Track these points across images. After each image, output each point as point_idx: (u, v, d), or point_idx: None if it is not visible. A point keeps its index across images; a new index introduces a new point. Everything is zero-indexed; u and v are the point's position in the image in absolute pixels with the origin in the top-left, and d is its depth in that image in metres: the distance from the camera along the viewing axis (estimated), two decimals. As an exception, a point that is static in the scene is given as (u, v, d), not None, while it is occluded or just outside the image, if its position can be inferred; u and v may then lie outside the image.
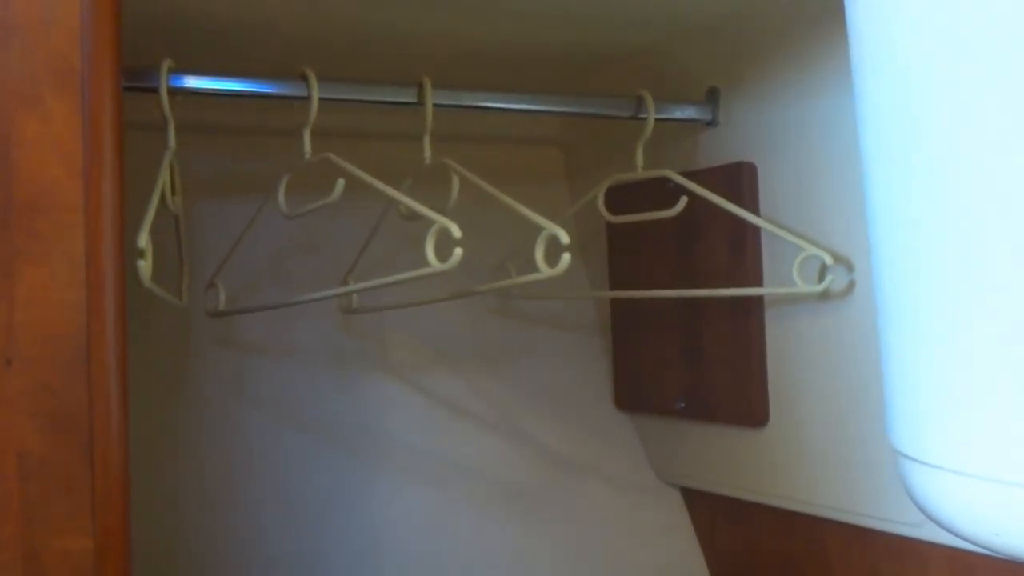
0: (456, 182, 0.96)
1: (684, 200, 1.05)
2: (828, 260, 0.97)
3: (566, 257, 0.81)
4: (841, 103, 0.97)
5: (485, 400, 1.29)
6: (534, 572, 1.25)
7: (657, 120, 1.09)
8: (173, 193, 0.91)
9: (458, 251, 0.79)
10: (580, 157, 1.38)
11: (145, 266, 0.75)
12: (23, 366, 0.54)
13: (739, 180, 1.08)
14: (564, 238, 0.81)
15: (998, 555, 0.59)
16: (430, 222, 0.81)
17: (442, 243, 0.80)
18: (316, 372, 1.21)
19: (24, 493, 0.54)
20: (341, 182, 0.87)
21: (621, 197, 1.16)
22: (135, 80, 0.87)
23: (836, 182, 0.99)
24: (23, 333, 0.54)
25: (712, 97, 1.12)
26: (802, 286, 0.99)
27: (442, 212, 0.85)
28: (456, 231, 0.79)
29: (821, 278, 0.98)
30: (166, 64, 0.88)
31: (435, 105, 0.98)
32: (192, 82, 0.90)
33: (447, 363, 1.28)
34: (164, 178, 0.85)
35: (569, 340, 1.35)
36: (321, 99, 0.93)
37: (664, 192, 1.12)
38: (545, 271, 0.82)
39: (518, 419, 1.30)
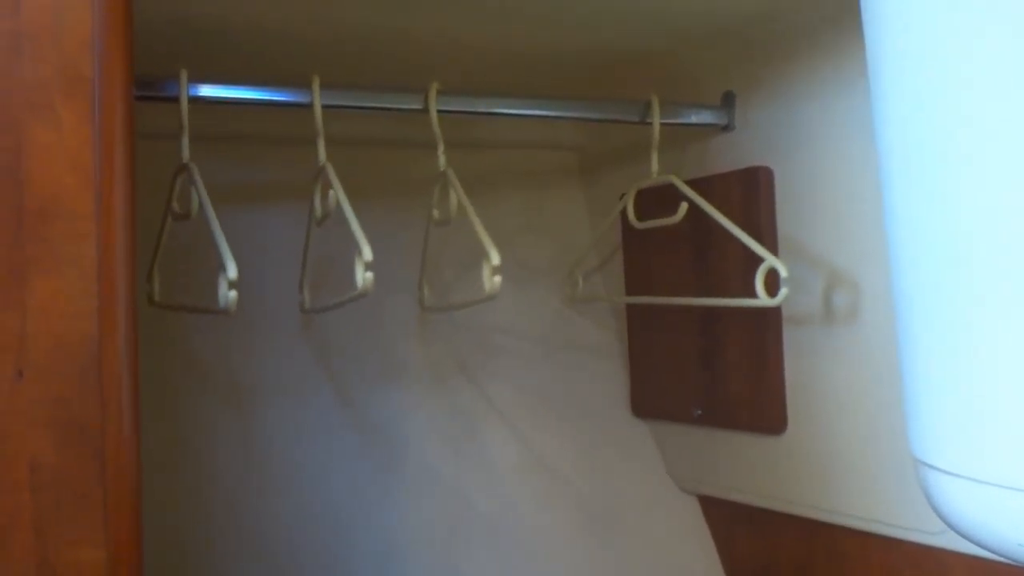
0: (454, 197, 0.96)
1: (684, 207, 1.05)
2: (783, 272, 0.95)
3: (496, 280, 0.87)
4: (858, 106, 0.96)
5: (502, 407, 1.28)
6: (550, 580, 1.24)
7: (672, 124, 1.09)
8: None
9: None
10: (595, 162, 1.37)
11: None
12: (35, 376, 0.54)
13: (755, 185, 1.07)
14: (495, 259, 0.86)
15: (1020, 565, 0.58)
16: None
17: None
18: (334, 380, 1.21)
19: (37, 504, 0.54)
20: (332, 194, 0.89)
21: (636, 203, 1.15)
22: (149, 90, 0.87)
23: (854, 186, 0.98)
24: (35, 343, 0.54)
25: (728, 101, 1.12)
26: (764, 298, 0.97)
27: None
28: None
29: (776, 290, 0.96)
30: (184, 74, 0.88)
31: (443, 111, 0.98)
32: (205, 91, 0.90)
33: (464, 369, 1.27)
34: (181, 193, 0.85)
35: (586, 347, 1.35)
36: (326, 106, 0.93)
37: (678, 197, 1.11)
38: (488, 288, 0.87)
39: (535, 426, 1.30)
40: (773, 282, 0.96)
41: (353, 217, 0.86)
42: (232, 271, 0.79)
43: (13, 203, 0.54)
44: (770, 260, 0.97)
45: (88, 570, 0.54)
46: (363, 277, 0.83)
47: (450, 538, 1.21)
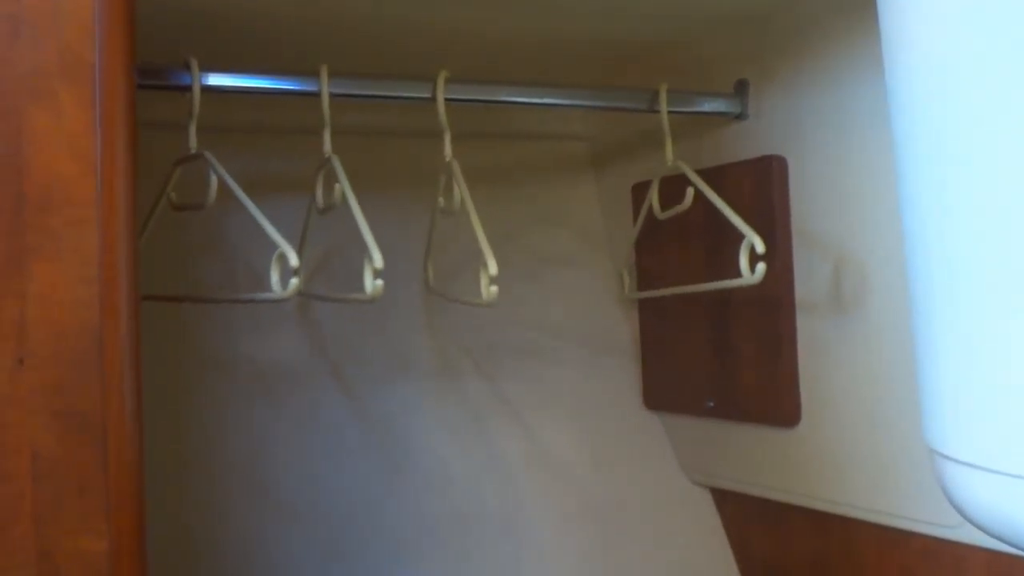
0: (456, 191, 0.95)
1: (691, 192, 1.04)
2: (760, 248, 0.94)
3: (493, 289, 0.86)
4: (873, 95, 0.95)
5: (512, 399, 1.28)
6: (562, 572, 1.24)
7: (684, 113, 1.08)
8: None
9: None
10: (608, 152, 1.36)
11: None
12: (36, 364, 0.53)
13: (769, 174, 1.06)
14: (492, 269, 0.86)
15: (1039, 558, 0.57)
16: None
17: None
18: (341, 372, 1.20)
19: (37, 493, 0.53)
20: (338, 188, 0.89)
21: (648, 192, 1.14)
22: (156, 78, 0.87)
23: (868, 175, 0.97)
24: (35, 331, 0.53)
25: (741, 90, 1.11)
26: (747, 275, 0.96)
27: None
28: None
29: (753, 266, 0.95)
30: (195, 63, 0.87)
31: (451, 100, 0.97)
32: (213, 79, 0.89)
33: (473, 361, 1.27)
34: (180, 182, 0.84)
35: (597, 339, 1.34)
36: (335, 95, 0.92)
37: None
38: (485, 296, 0.87)
39: (546, 419, 1.29)
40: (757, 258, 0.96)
41: (363, 220, 0.85)
42: (293, 259, 0.81)
43: (13, 190, 0.54)
44: (749, 236, 0.96)
45: (90, 560, 0.53)
46: (372, 284, 0.82)
47: (460, 532, 1.21)
